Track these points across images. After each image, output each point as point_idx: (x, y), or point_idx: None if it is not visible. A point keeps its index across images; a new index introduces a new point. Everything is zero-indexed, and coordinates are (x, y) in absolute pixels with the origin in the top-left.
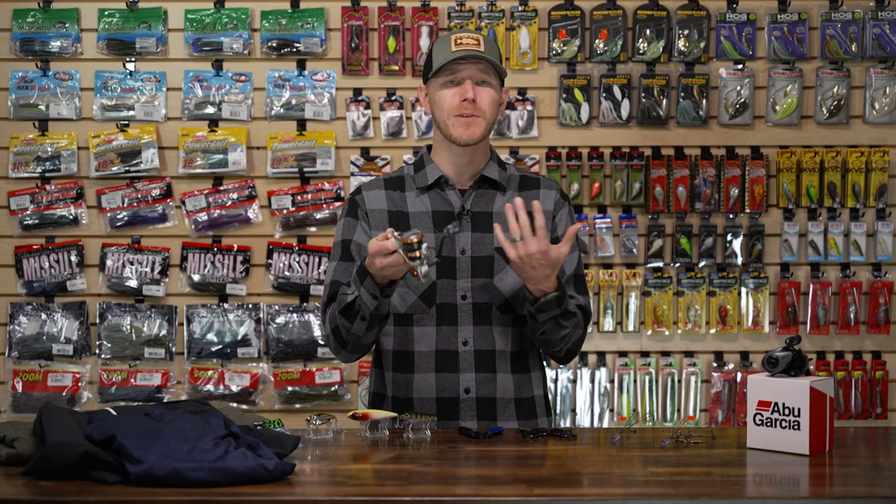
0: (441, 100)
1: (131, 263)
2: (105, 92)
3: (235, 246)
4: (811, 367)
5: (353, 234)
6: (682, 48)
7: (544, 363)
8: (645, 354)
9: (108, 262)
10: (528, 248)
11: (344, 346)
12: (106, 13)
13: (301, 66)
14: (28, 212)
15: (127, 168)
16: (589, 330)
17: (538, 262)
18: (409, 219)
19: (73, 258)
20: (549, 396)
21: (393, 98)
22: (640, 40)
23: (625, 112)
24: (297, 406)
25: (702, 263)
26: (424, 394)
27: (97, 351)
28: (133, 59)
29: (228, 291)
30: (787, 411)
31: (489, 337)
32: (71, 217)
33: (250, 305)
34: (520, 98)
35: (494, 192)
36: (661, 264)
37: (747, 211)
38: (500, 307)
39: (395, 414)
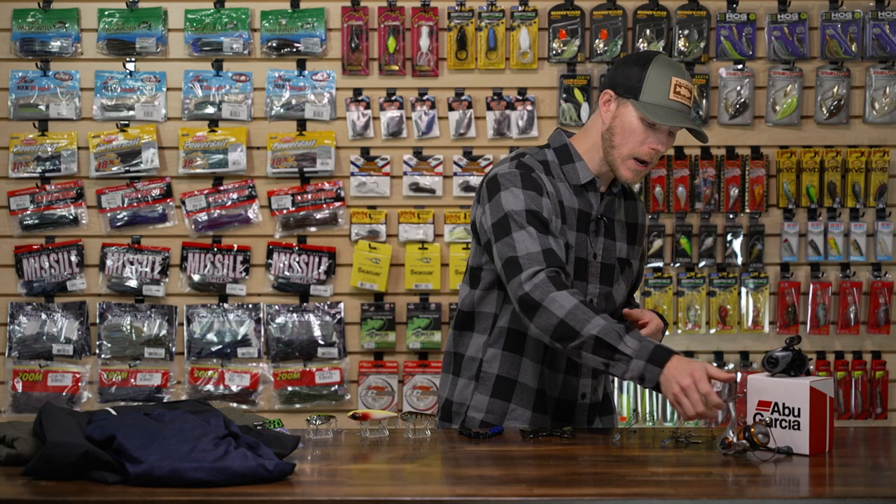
0: (632, 133)
1: (131, 263)
2: (105, 92)
3: (235, 246)
4: (811, 367)
5: (541, 208)
6: (682, 48)
7: None
8: None
9: (108, 262)
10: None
11: (554, 338)
12: (106, 13)
13: (301, 66)
14: (28, 212)
15: (127, 168)
16: None
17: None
18: (564, 211)
19: (73, 258)
20: None
21: (393, 98)
22: (640, 40)
23: None
24: (297, 406)
25: (702, 263)
26: (551, 392)
27: (97, 351)
28: (133, 59)
29: (228, 291)
30: (787, 411)
31: None
32: (71, 217)
33: (250, 305)
34: (520, 98)
35: (613, 198)
36: (660, 264)
37: (747, 211)
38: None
39: (395, 414)
